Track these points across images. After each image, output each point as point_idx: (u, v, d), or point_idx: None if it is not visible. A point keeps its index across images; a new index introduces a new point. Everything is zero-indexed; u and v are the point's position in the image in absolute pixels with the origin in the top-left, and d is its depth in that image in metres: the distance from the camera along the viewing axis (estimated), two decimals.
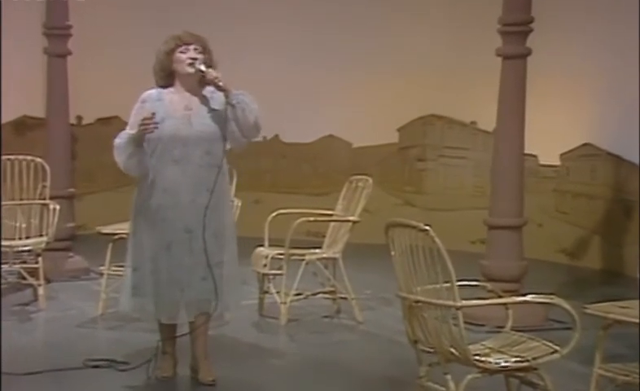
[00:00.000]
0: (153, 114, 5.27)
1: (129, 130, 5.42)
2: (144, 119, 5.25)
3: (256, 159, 11.04)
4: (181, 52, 5.40)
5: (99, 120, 10.74)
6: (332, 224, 7.39)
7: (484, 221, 7.22)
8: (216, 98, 5.42)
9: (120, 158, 5.42)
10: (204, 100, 5.42)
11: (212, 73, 5.33)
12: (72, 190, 8.53)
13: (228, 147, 5.46)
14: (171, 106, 5.39)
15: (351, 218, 7.17)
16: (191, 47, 5.40)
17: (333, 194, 8.11)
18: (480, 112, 9.85)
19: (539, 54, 7.27)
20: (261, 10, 10.43)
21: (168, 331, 5.59)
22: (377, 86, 10.32)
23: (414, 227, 4.39)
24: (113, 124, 10.52)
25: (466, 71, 9.75)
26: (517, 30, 7.00)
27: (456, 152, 10.41)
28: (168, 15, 9.53)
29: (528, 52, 7.04)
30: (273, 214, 7.41)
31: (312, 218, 7.27)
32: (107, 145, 11.19)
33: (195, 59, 5.37)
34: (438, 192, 10.44)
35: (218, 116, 5.37)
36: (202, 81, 5.41)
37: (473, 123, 10.24)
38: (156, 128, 5.26)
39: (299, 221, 7.02)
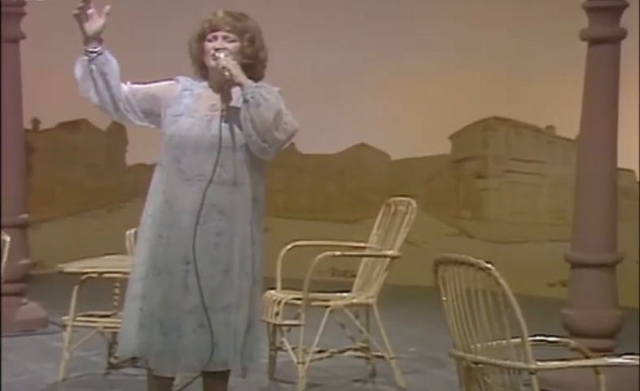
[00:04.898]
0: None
1: (147, 86, 5.46)
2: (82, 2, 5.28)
3: (266, 175, 11.04)
4: (209, 40, 5.40)
5: (61, 124, 10.76)
6: (365, 260, 7.39)
7: (566, 256, 7.19)
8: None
9: (77, 74, 5.56)
10: (229, 100, 5.40)
11: (220, 62, 5.32)
12: (25, 216, 8.54)
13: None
14: (195, 101, 5.40)
15: (389, 253, 7.15)
16: (220, 34, 5.38)
17: (366, 220, 8.11)
18: (558, 114, 9.84)
19: (637, 36, 7.23)
20: None
21: (160, 388, 5.53)
22: (423, 80, 10.32)
23: (472, 265, 4.38)
24: (80, 129, 10.56)
25: (540, 60, 9.74)
26: (608, 5, 6.99)
27: (527, 167, 10.40)
28: None
29: (623, 34, 7.02)
30: (288, 247, 7.42)
31: (338, 252, 7.26)
32: (70, 156, 11.17)
33: (218, 49, 5.35)
34: (503, 219, 10.43)
35: (238, 119, 5.36)
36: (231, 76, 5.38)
37: (550, 128, 10.23)
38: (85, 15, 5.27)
39: (321, 256, 7.01)
